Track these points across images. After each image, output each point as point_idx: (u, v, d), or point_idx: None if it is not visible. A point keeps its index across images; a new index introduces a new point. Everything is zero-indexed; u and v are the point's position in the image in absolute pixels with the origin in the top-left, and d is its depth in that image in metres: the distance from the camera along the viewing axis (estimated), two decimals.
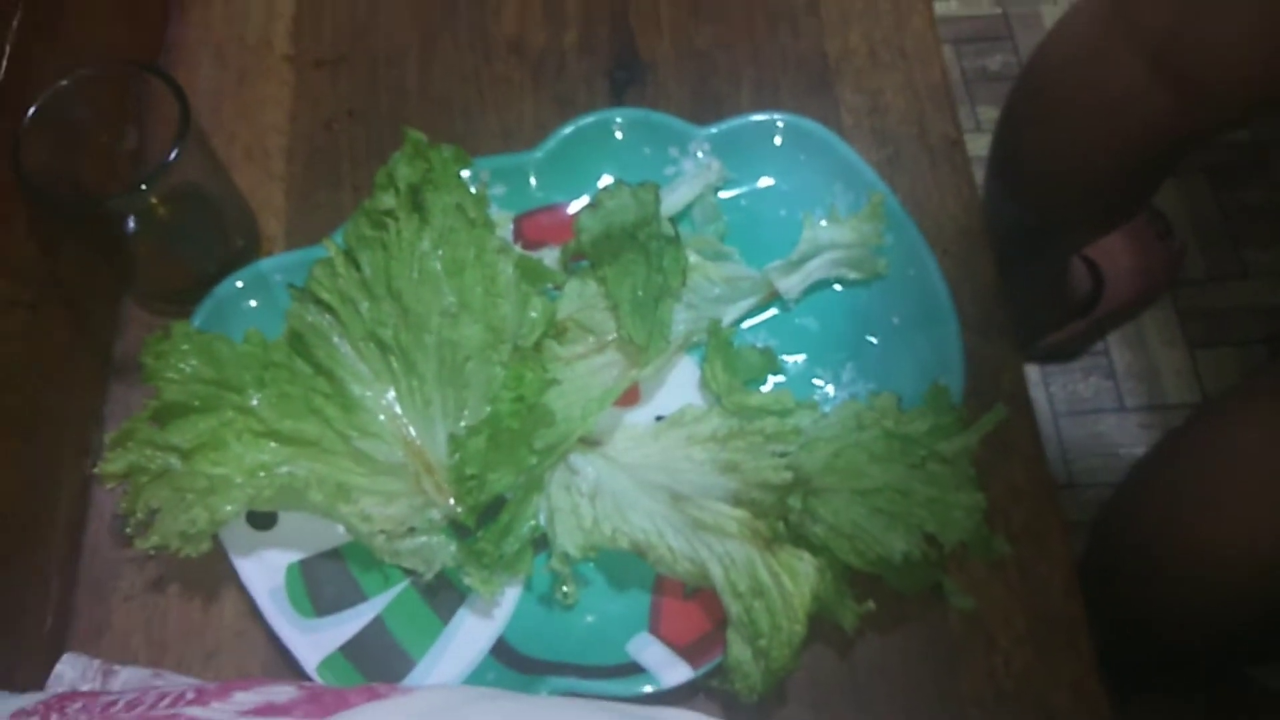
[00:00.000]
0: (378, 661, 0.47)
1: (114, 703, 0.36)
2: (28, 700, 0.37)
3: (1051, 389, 1.04)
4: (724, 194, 0.57)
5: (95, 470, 0.47)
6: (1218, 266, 1.08)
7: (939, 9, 1.30)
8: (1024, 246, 0.80)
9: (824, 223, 0.55)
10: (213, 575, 0.50)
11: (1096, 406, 1.03)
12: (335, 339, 0.52)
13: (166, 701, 0.36)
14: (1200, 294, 1.07)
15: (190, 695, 0.36)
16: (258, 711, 0.35)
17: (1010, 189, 0.74)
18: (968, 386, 0.52)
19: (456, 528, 0.49)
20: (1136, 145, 0.63)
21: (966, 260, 0.57)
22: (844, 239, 0.55)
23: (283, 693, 0.37)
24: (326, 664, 0.46)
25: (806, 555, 0.44)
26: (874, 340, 0.54)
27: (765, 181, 0.58)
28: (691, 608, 0.48)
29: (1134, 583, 0.64)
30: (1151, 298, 1.05)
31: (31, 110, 0.48)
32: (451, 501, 0.49)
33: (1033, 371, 1.06)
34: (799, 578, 0.44)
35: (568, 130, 0.57)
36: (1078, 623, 0.49)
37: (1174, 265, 1.05)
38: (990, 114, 1.13)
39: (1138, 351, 1.05)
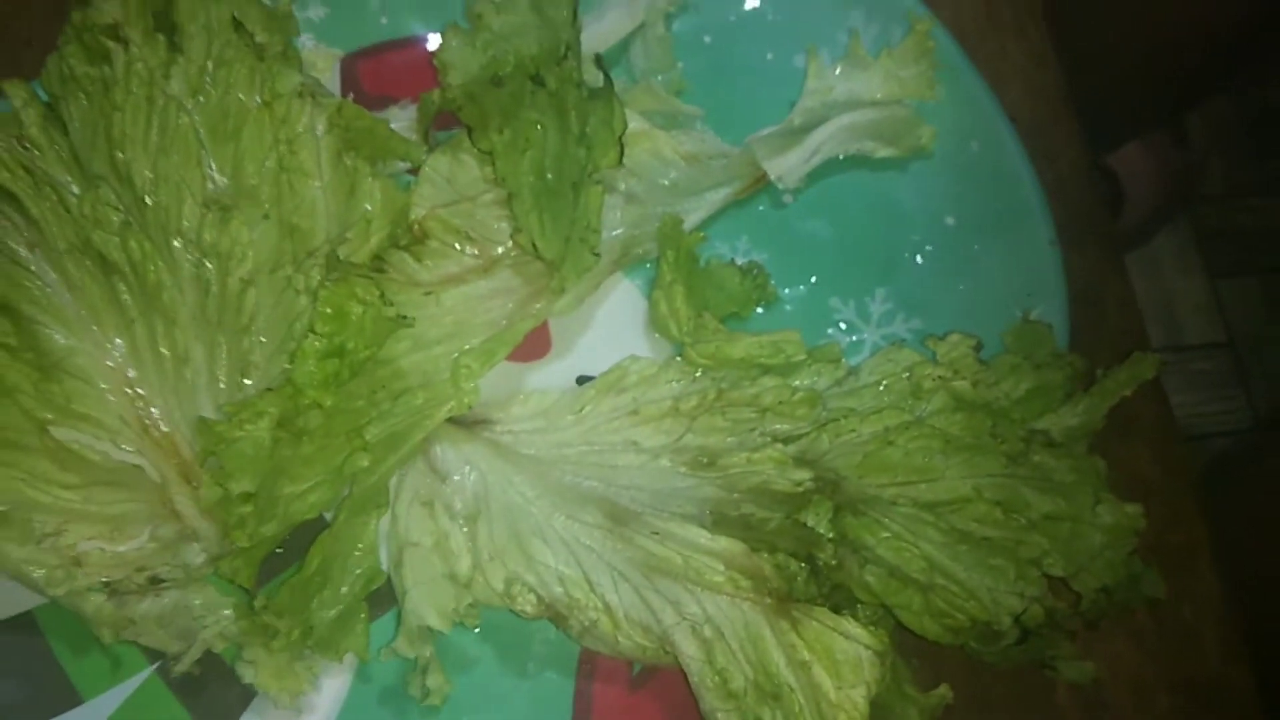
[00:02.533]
0: None
1: None
2: None
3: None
4: (678, 25, 0.40)
5: None
6: (1239, 179, 0.93)
7: None
8: None
9: (839, 68, 0.35)
10: None
11: None
12: (23, 251, 0.33)
13: None
14: (1220, 212, 0.92)
15: None
16: None
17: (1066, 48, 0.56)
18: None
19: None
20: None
21: (1042, 133, 0.39)
22: (871, 91, 0.36)
23: None
24: None
25: (854, 626, 0.25)
26: (919, 253, 0.37)
27: (743, 5, 0.40)
28: (643, 704, 0.29)
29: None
30: (1169, 213, 0.90)
31: None
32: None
33: None
34: (845, 668, 0.25)
35: None
36: (1244, 695, 0.31)
37: (1192, 177, 0.90)
38: None
39: (1152, 281, 0.90)
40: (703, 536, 0.28)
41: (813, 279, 0.37)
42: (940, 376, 0.31)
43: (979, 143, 0.36)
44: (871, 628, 0.26)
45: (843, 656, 0.25)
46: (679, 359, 0.34)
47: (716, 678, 0.26)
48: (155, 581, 0.30)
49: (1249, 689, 0.33)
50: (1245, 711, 0.32)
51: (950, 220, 0.37)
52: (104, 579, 0.30)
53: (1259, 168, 0.93)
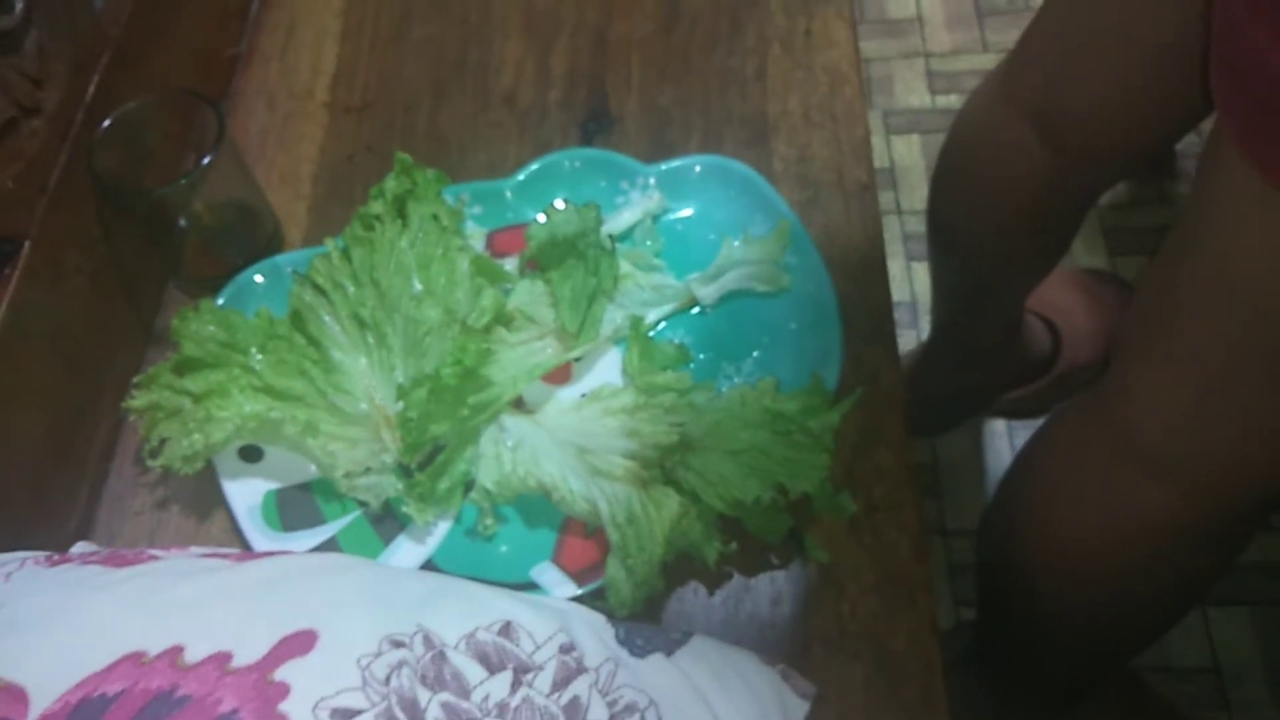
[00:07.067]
0: None
1: (96, 553, 0.47)
2: (37, 554, 0.48)
3: (1016, 442, 1.10)
4: (661, 220, 0.68)
5: (124, 405, 0.59)
6: None
7: (940, 101, 1.41)
8: (967, 301, 0.88)
9: (738, 243, 0.66)
10: (206, 500, 0.60)
11: None
12: (325, 316, 0.63)
13: (134, 552, 0.47)
14: None
15: (156, 549, 0.47)
16: (204, 555, 0.45)
17: (941, 245, 0.83)
18: (848, 382, 0.61)
19: (403, 470, 0.59)
20: (1032, 201, 0.72)
21: (864, 282, 0.66)
22: (753, 256, 0.65)
23: (229, 552, 0.47)
24: None
25: (672, 493, 0.53)
26: (774, 341, 0.63)
27: (697, 211, 0.68)
28: (589, 544, 0.58)
29: (1002, 585, 0.71)
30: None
31: (107, 122, 0.62)
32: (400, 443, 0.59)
33: (998, 425, 1.12)
34: (663, 510, 0.53)
35: (535, 165, 0.69)
36: (920, 582, 0.56)
37: None
38: None
39: None
40: (620, 459, 0.57)
41: (713, 353, 0.63)
42: (756, 397, 0.60)
43: (812, 285, 0.65)
44: (683, 499, 0.54)
45: (665, 504, 0.53)
46: (632, 386, 0.63)
47: (613, 518, 0.54)
48: (368, 470, 0.61)
49: (924, 578, 0.57)
50: (918, 591, 0.57)
51: (793, 325, 0.62)
52: (345, 469, 0.62)
53: None
